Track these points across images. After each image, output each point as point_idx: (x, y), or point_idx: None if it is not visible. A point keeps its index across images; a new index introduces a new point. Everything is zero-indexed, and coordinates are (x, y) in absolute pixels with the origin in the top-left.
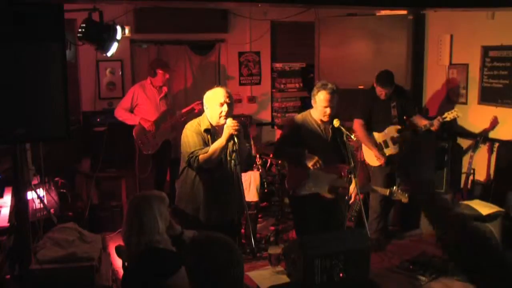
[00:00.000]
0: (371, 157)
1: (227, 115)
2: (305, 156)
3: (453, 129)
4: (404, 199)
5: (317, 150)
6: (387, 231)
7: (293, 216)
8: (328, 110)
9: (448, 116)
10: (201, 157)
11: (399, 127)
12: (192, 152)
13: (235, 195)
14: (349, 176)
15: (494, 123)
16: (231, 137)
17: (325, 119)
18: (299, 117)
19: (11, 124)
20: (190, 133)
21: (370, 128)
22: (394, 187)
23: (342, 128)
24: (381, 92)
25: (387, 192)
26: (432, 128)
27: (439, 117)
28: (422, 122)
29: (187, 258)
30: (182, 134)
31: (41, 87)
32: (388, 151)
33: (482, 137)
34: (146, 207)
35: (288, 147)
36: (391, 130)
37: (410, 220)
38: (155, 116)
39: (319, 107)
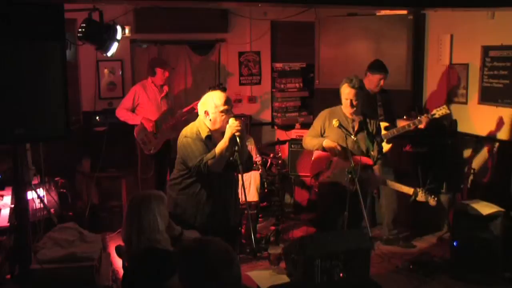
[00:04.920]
0: None
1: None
2: (326, 143)
3: (453, 129)
4: (432, 201)
5: (340, 140)
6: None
7: (317, 201)
8: (348, 103)
9: (437, 113)
10: (210, 162)
11: (386, 124)
12: (200, 160)
13: (234, 200)
14: (349, 176)
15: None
16: (233, 137)
17: (348, 112)
18: (331, 108)
19: (11, 124)
20: (193, 141)
21: None
22: (419, 188)
23: (342, 128)
24: (377, 79)
25: (411, 191)
26: (420, 126)
27: (427, 115)
28: (406, 123)
29: (179, 264)
30: (182, 142)
31: (41, 87)
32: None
33: (482, 137)
34: (146, 207)
35: (314, 136)
36: None
37: (411, 220)
38: (157, 115)
39: (343, 99)
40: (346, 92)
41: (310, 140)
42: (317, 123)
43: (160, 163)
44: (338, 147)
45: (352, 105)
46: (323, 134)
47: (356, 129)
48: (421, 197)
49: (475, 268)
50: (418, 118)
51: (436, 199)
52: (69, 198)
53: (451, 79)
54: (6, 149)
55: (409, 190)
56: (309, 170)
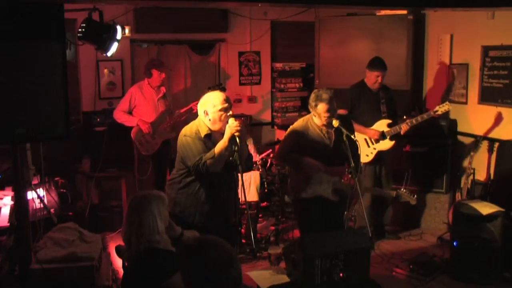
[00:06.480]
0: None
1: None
2: (306, 164)
3: (453, 129)
4: (412, 201)
5: (320, 154)
6: (382, 232)
7: (296, 218)
8: (330, 118)
9: (440, 109)
10: (208, 162)
11: (389, 121)
12: (199, 159)
13: (234, 200)
14: (350, 176)
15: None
16: (233, 137)
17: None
18: (300, 123)
19: (11, 124)
20: (192, 140)
21: (359, 122)
22: (401, 189)
23: (342, 128)
24: (377, 76)
25: (394, 194)
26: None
27: (429, 111)
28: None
29: (180, 264)
30: (182, 141)
31: (41, 87)
32: (378, 146)
33: (482, 137)
34: (146, 207)
35: (290, 152)
36: (382, 125)
37: (411, 219)
38: (154, 116)
39: (322, 116)
40: (324, 110)
41: (288, 156)
42: (290, 141)
43: (158, 163)
44: (321, 168)
45: (333, 115)
46: (304, 151)
47: (333, 139)
48: (403, 198)
49: (475, 268)
50: (421, 115)
51: (416, 197)
52: (69, 198)
53: (450, 79)
54: (6, 149)
55: (391, 193)
56: (290, 186)
